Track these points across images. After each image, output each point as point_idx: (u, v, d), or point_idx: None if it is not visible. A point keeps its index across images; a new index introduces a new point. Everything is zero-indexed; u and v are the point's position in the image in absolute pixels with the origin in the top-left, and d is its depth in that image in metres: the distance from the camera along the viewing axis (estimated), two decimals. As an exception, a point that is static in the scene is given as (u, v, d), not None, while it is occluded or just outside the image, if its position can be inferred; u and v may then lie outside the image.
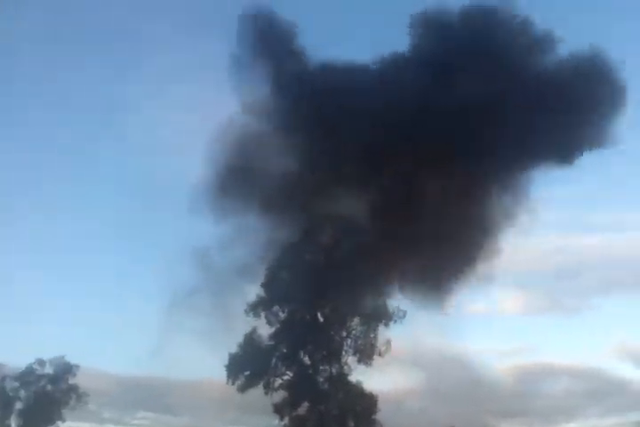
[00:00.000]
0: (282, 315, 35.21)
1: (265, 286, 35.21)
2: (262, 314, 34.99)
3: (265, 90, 35.05)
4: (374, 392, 37.04)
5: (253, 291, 35.34)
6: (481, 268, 34.27)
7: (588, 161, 35.32)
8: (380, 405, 37.88)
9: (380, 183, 32.14)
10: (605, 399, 64.40)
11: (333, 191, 31.89)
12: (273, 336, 34.77)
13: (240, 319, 34.54)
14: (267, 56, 34.98)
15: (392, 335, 37.15)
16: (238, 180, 33.21)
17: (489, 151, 30.28)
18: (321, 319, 35.78)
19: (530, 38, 32.87)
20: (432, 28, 33.41)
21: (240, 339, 34.57)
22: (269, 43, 34.69)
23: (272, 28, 35.10)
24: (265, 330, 35.52)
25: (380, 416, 38.17)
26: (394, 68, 33.17)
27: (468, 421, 45.58)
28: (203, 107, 52.70)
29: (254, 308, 34.86)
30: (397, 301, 37.52)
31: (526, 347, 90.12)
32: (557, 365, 70.69)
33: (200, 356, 35.78)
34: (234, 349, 34.52)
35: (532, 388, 63.44)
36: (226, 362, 34.28)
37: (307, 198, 32.50)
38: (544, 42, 32.78)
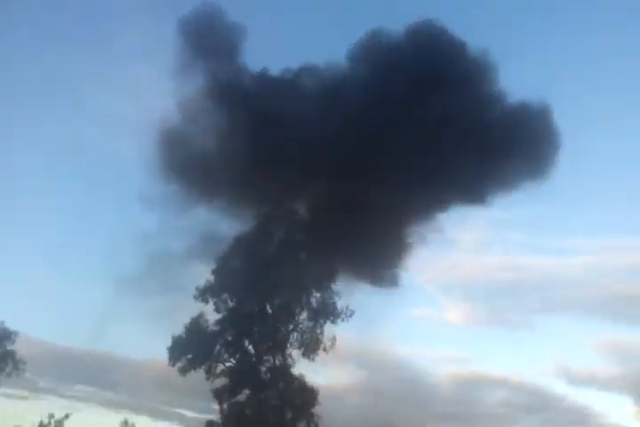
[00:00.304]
0: (230, 303, 35.67)
1: (216, 273, 35.66)
2: (211, 300, 35.46)
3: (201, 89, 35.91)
4: (315, 386, 37.77)
5: (204, 276, 35.82)
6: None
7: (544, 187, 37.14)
8: (320, 399, 38.51)
9: (314, 189, 33.14)
10: (538, 413, 66.70)
11: (278, 189, 32.79)
12: (219, 323, 35.19)
13: (188, 303, 35.25)
14: (205, 57, 35.72)
15: (338, 332, 38.04)
16: (182, 170, 33.97)
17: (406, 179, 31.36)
18: (269, 311, 36.42)
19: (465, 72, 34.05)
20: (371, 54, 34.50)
21: (186, 322, 35.02)
22: (209, 44, 35.34)
23: (214, 29, 35.62)
24: (212, 316, 36.07)
25: (318, 410, 38.94)
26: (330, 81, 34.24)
27: (405, 421, 46.80)
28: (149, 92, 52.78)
29: (203, 293, 35.29)
30: (347, 299, 38.88)
31: (467, 356, 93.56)
32: (495, 376, 73.08)
33: (145, 336, 36.32)
34: (179, 332, 34.94)
35: (469, 396, 65.42)
36: (169, 344, 34.69)
37: (255, 193, 33.37)
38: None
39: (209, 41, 34.94)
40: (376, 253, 34.10)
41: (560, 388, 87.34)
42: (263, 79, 35.38)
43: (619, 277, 79.61)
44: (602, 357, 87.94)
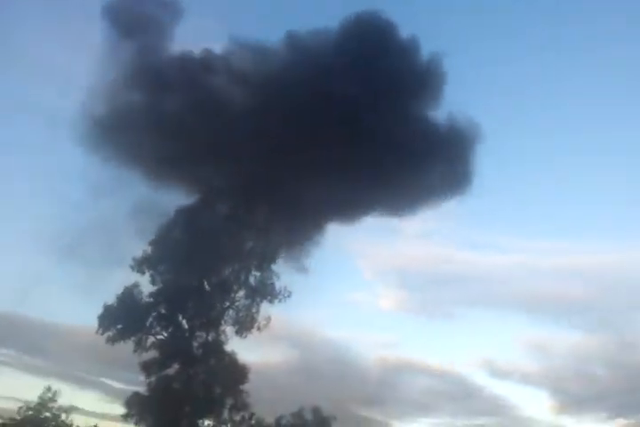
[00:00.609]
0: (167, 276, 35.05)
1: (154, 244, 34.96)
2: (147, 272, 34.78)
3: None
4: (246, 364, 37.93)
5: (141, 247, 35.06)
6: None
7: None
8: (251, 376, 38.94)
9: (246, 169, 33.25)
10: (459, 401, 69.69)
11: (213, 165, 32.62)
12: (154, 295, 34.67)
13: (123, 273, 34.48)
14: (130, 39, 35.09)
15: (274, 313, 38.15)
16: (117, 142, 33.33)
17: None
18: (207, 287, 36.16)
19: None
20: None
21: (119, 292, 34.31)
22: (135, 27, 34.75)
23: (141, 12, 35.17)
24: (147, 288, 35.41)
25: (248, 387, 39.34)
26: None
27: (332, 402, 47.66)
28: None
29: (140, 264, 34.60)
30: (286, 280, 38.98)
31: (397, 342, 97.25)
32: (422, 363, 75.72)
33: (76, 302, 35.44)
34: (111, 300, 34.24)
35: (396, 381, 67.34)
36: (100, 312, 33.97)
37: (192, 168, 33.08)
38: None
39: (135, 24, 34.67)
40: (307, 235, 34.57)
41: (482, 379, 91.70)
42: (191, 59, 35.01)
43: (545, 278, 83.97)
44: (524, 352, 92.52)
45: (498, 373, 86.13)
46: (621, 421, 55.82)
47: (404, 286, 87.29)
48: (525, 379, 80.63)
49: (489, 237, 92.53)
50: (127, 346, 34.37)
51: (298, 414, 45.24)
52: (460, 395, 68.89)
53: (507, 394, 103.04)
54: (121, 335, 33.77)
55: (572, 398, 62.38)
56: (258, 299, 37.12)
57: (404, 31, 36.28)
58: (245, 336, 36.77)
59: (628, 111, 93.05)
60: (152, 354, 34.96)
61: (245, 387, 38.72)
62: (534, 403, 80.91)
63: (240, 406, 39.38)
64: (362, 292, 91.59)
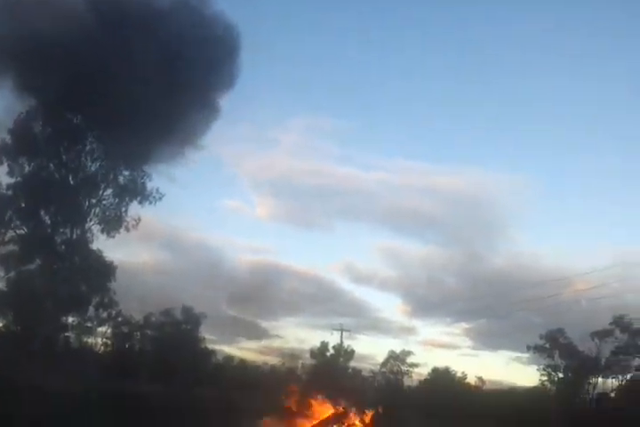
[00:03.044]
0: (27, 168, 33.40)
1: (13, 133, 32.75)
2: (5, 162, 32.76)
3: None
4: (113, 262, 37.85)
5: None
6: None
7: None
8: (119, 276, 39.03)
9: None
10: (323, 303, 75.32)
11: None
12: (13, 187, 32.99)
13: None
14: None
15: (145, 214, 37.69)
16: None
17: None
18: (71, 182, 34.81)
19: None
20: None
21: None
22: None
23: None
24: (4, 179, 33.47)
25: (115, 286, 39.45)
26: None
27: (202, 302, 49.52)
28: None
29: (-4, 153, 32.46)
30: (158, 182, 38.52)
31: (269, 248, 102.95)
32: (290, 268, 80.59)
33: None
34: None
35: (265, 284, 71.04)
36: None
37: None
38: None
39: None
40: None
41: (344, 283, 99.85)
42: None
43: (404, 195, 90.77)
44: (382, 261, 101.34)
45: (358, 278, 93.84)
46: (463, 325, 63.29)
47: (279, 196, 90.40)
48: (382, 284, 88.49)
49: (356, 154, 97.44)
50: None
51: (167, 312, 46.68)
52: (323, 297, 74.14)
53: (365, 298, 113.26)
54: (-24, 228, 32.14)
55: (423, 304, 69.27)
56: (127, 198, 36.37)
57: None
58: (113, 236, 36.27)
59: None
60: (11, 248, 33.97)
61: (113, 286, 39.21)
62: (389, 306, 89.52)
63: (106, 303, 39.99)
64: (237, 200, 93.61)
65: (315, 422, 8.35)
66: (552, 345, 44.35)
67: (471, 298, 71.73)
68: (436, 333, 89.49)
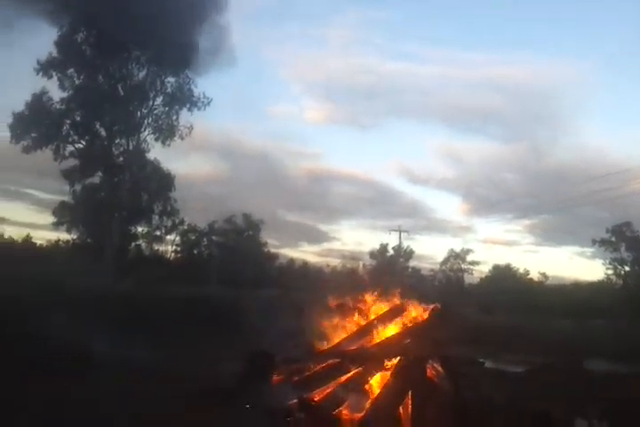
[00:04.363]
0: (77, 81, 32.97)
1: (59, 45, 32.02)
2: (55, 76, 32.38)
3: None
4: (171, 172, 38.74)
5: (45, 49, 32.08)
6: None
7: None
8: (179, 185, 39.74)
9: None
10: (379, 206, 75.42)
11: None
12: (66, 101, 32.80)
13: (29, 78, 32.06)
14: None
15: (196, 122, 37.10)
16: None
17: None
18: (121, 92, 34.41)
19: None
20: None
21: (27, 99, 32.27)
22: None
23: None
24: (56, 93, 33.25)
25: (176, 195, 40.30)
26: None
27: (261, 209, 50.44)
28: None
29: (45, 67, 31.98)
30: (204, 87, 37.51)
31: (321, 153, 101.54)
32: (344, 172, 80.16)
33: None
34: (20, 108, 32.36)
35: (320, 189, 71.42)
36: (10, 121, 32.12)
37: None
38: None
39: None
40: None
41: (400, 185, 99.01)
42: None
43: (462, 89, 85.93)
44: (440, 160, 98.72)
45: (414, 179, 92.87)
46: (525, 221, 62.04)
47: (328, 98, 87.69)
48: (440, 184, 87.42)
49: (410, 48, 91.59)
50: (46, 155, 33.58)
51: (229, 220, 48.04)
52: (379, 200, 74.21)
53: (423, 199, 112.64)
54: (37, 144, 32.52)
55: (483, 202, 68.16)
56: (176, 106, 35.92)
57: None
58: (168, 144, 36.26)
59: None
60: (72, 163, 34.57)
61: (173, 195, 40.07)
62: (448, 206, 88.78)
63: (169, 211, 41.18)
64: (287, 105, 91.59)
65: (372, 316, 8.49)
66: (618, 239, 43.33)
67: (533, 194, 70.04)
68: (497, 230, 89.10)
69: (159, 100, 35.59)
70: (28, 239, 45.24)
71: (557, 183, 61.16)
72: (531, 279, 53.14)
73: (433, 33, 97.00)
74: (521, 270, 53.97)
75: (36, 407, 7.11)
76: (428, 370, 8.42)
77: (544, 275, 53.54)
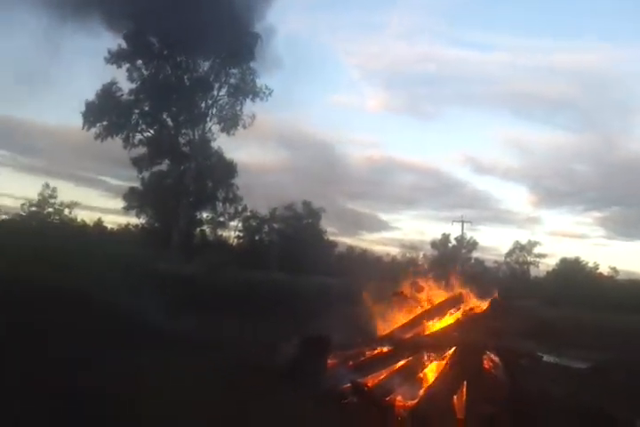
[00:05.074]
0: (145, 72, 34.28)
1: (127, 38, 33.22)
2: (124, 66, 33.79)
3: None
4: (234, 160, 39.70)
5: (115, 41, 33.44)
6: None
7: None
8: (241, 173, 40.65)
9: None
10: (442, 196, 73.88)
11: None
12: (135, 92, 34.23)
13: (100, 69, 33.40)
14: None
15: (259, 112, 37.97)
16: None
17: None
18: (187, 83, 35.51)
19: None
20: None
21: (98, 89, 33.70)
22: None
23: None
24: (126, 84, 34.65)
25: (239, 183, 41.25)
26: None
27: (321, 197, 50.73)
28: None
29: (115, 58, 33.31)
30: (266, 79, 38.08)
31: (382, 142, 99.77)
32: (406, 161, 78.82)
33: (62, 103, 34.98)
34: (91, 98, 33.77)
35: (381, 178, 70.60)
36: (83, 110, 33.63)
37: None
38: None
39: None
40: None
41: (464, 175, 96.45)
42: None
43: (528, 76, 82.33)
44: (506, 150, 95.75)
45: (479, 169, 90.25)
46: (595, 214, 59.70)
47: (389, 86, 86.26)
48: (505, 175, 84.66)
49: (474, 36, 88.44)
50: (117, 143, 35.05)
51: (290, 207, 48.67)
52: (442, 190, 72.90)
53: (487, 189, 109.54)
54: (107, 132, 34.03)
55: (551, 193, 66.04)
56: (240, 97, 36.88)
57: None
58: (233, 134, 37.25)
59: None
60: (141, 151, 36.01)
61: (236, 182, 40.97)
62: (514, 197, 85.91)
63: (232, 198, 42.17)
64: (347, 93, 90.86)
65: (430, 306, 8.38)
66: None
67: (604, 186, 67.27)
68: (565, 223, 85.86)
69: (223, 91, 36.73)
70: (99, 223, 47.50)
71: (630, 175, 58.43)
72: (600, 274, 51.22)
73: (498, 20, 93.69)
74: (590, 264, 52.05)
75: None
76: (485, 361, 8.33)
77: (614, 269, 51.51)
